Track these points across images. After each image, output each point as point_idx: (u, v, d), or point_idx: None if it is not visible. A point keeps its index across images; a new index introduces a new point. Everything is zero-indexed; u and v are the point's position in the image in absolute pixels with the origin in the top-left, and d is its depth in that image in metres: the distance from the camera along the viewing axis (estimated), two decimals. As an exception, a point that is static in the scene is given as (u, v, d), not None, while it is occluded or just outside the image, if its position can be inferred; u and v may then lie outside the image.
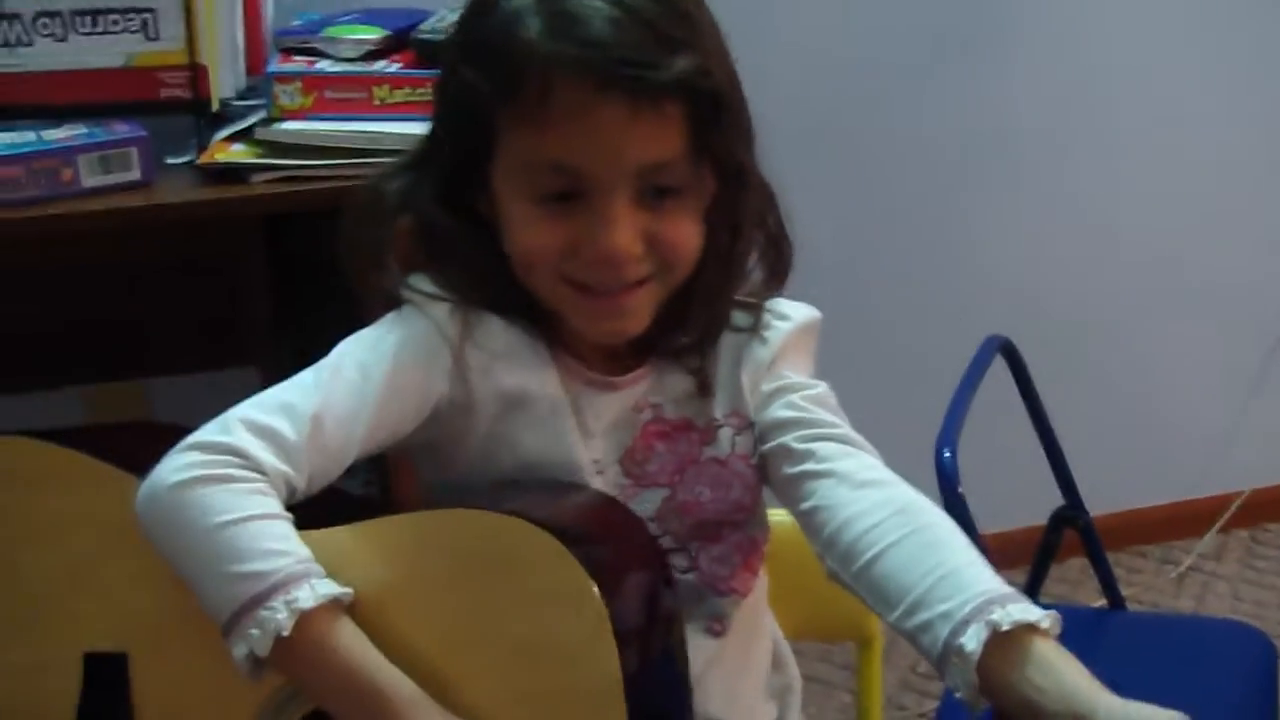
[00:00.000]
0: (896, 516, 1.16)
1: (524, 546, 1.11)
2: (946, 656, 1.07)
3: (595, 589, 1.09)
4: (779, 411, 1.27)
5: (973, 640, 1.05)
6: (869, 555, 1.15)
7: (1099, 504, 3.00)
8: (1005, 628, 1.05)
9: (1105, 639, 2.16)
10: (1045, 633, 1.06)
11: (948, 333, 2.21)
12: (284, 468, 1.15)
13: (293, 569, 1.11)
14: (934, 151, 2.78)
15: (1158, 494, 3.17)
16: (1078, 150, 2.88)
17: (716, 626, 1.27)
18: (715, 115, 1.16)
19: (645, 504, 1.25)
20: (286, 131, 1.82)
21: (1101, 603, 2.27)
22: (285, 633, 1.09)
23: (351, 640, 1.11)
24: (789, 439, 1.25)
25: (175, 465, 1.14)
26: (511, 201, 1.17)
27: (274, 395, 1.18)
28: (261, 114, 1.86)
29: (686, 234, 1.19)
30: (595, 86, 1.11)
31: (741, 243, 1.25)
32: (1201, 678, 2.02)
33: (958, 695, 1.07)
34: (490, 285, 1.22)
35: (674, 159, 1.15)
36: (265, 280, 1.97)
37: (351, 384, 1.18)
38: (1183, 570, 3.09)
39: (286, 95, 1.85)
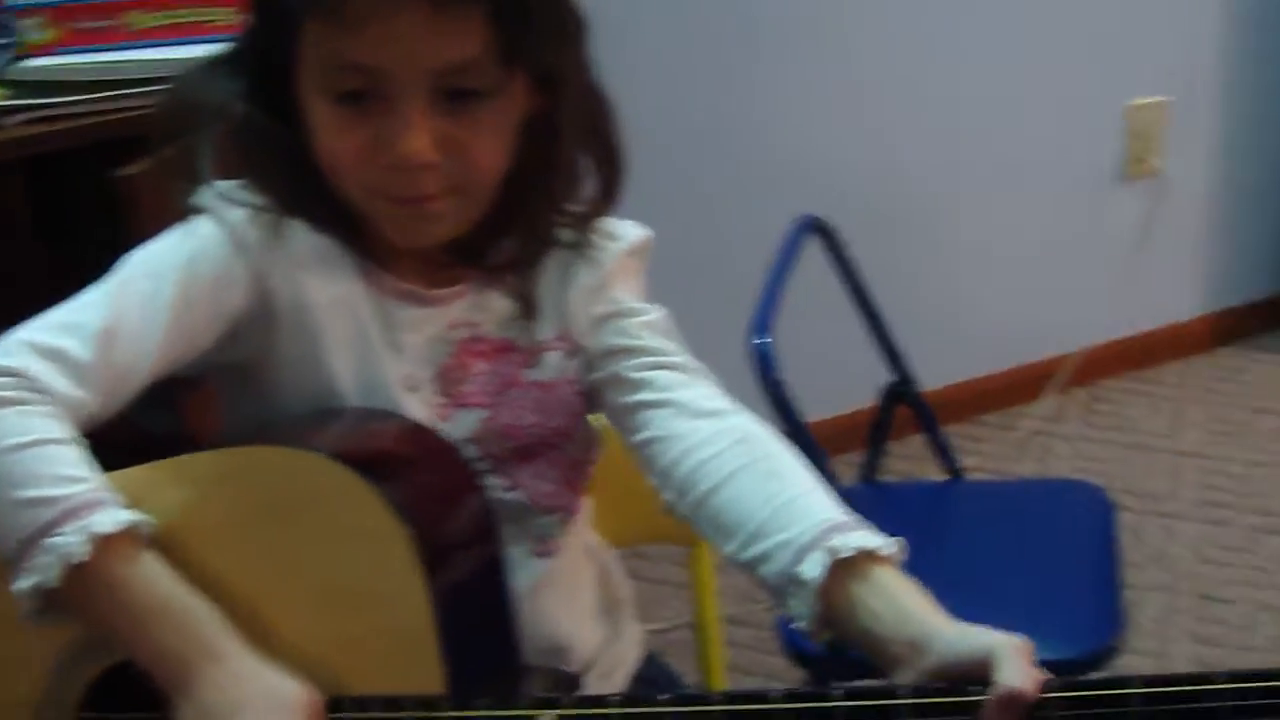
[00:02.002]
0: (735, 446, 1.13)
1: (327, 486, 1.05)
2: (786, 586, 1.05)
3: (401, 527, 1.04)
4: (612, 338, 1.21)
5: (813, 568, 1.03)
6: (706, 486, 1.12)
7: (936, 378, 3.02)
8: (845, 555, 1.03)
9: (947, 510, 2.15)
10: (886, 560, 1.05)
11: (761, 217, 2.15)
12: (75, 391, 1.06)
13: (88, 495, 1.02)
14: (723, 25, 2.69)
15: (994, 362, 3.17)
16: (880, 20, 2.81)
17: (543, 548, 1.22)
18: (523, 16, 1.09)
19: (462, 425, 1.18)
20: (36, 69, 1.72)
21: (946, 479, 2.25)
22: (79, 560, 1.00)
23: (154, 570, 1.03)
24: (623, 367, 1.20)
25: None
26: (314, 103, 1.11)
27: (58, 314, 1.09)
28: (8, 53, 1.75)
29: (488, 142, 1.13)
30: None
31: (563, 154, 1.18)
32: (1043, 538, 2.03)
33: (797, 626, 1.05)
34: (304, 190, 1.15)
35: (475, 60, 1.09)
36: (30, 226, 1.86)
37: (142, 295, 1.10)
38: (1023, 435, 3.10)
39: (32, 30, 1.74)
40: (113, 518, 1.01)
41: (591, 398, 1.23)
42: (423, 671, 1.05)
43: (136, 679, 1.06)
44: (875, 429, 2.19)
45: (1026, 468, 3.00)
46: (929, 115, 2.88)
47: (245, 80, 1.16)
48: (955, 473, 2.21)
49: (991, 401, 3.16)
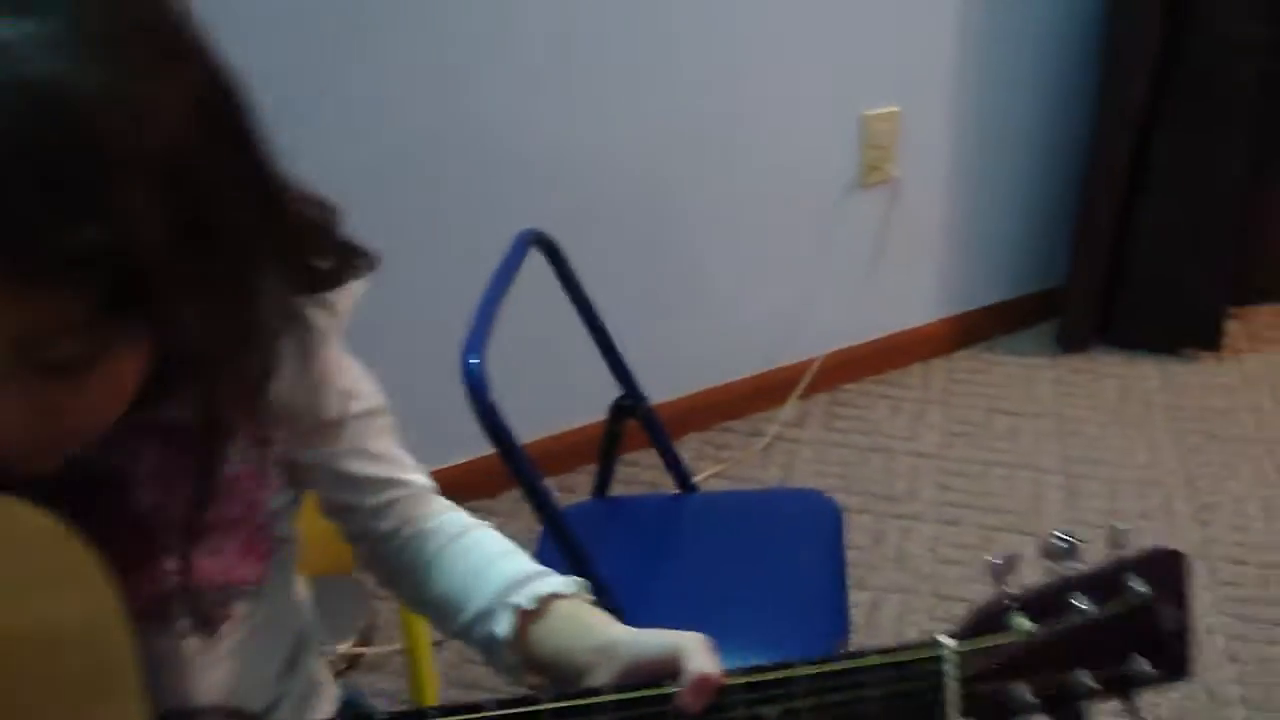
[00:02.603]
0: (429, 536, 1.22)
1: (12, 521, 0.96)
2: (488, 648, 1.15)
3: (99, 562, 0.97)
4: (323, 447, 1.16)
5: (502, 626, 1.13)
6: (411, 580, 1.22)
7: (679, 385, 3.04)
8: (527, 606, 1.13)
9: (679, 523, 2.15)
10: (570, 597, 1.14)
11: (485, 233, 2.12)
12: None
13: None
14: (440, 20, 2.59)
15: (738, 369, 3.19)
16: (616, 21, 2.74)
17: (211, 625, 1.11)
18: (142, 291, 0.84)
19: (132, 503, 1.04)
20: None
21: (702, 475, 2.25)
22: None
23: None
24: (332, 483, 1.20)
25: None
26: None
27: None
28: None
29: (101, 399, 0.90)
30: None
31: (215, 467, 1.03)
32: (774, 547, 2.04)
33: (508, 680, 1.15)
34: None
35: (72, 331, 0.84)
36: None
37: None
38: (768, 441, 3.13)
39: None
40: None
41: (292, 474, 1.15)
42: (120, 709, 0.99)
43: None
44: (604, 445, 2.18)
45: (771, 474, 3.02)
46: (665, 120, 2.86)
47: None
48: (688, 485, 2.21)
49: (736, 408, 3.19)
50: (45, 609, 0.98)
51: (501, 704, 1.01)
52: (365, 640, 2.56)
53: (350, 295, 1.10)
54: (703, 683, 1.00)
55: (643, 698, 1.02)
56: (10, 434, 0.87)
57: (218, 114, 0.90)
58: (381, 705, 1.32)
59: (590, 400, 2.29)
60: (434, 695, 1.61)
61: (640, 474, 2.84)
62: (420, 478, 1.24)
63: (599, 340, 2.08)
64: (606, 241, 2.79)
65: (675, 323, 3.01)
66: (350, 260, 1.06)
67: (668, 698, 1.01)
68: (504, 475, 1.72)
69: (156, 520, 1.07)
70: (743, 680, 1.02)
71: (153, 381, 0.93)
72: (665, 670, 1.02)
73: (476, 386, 1.65)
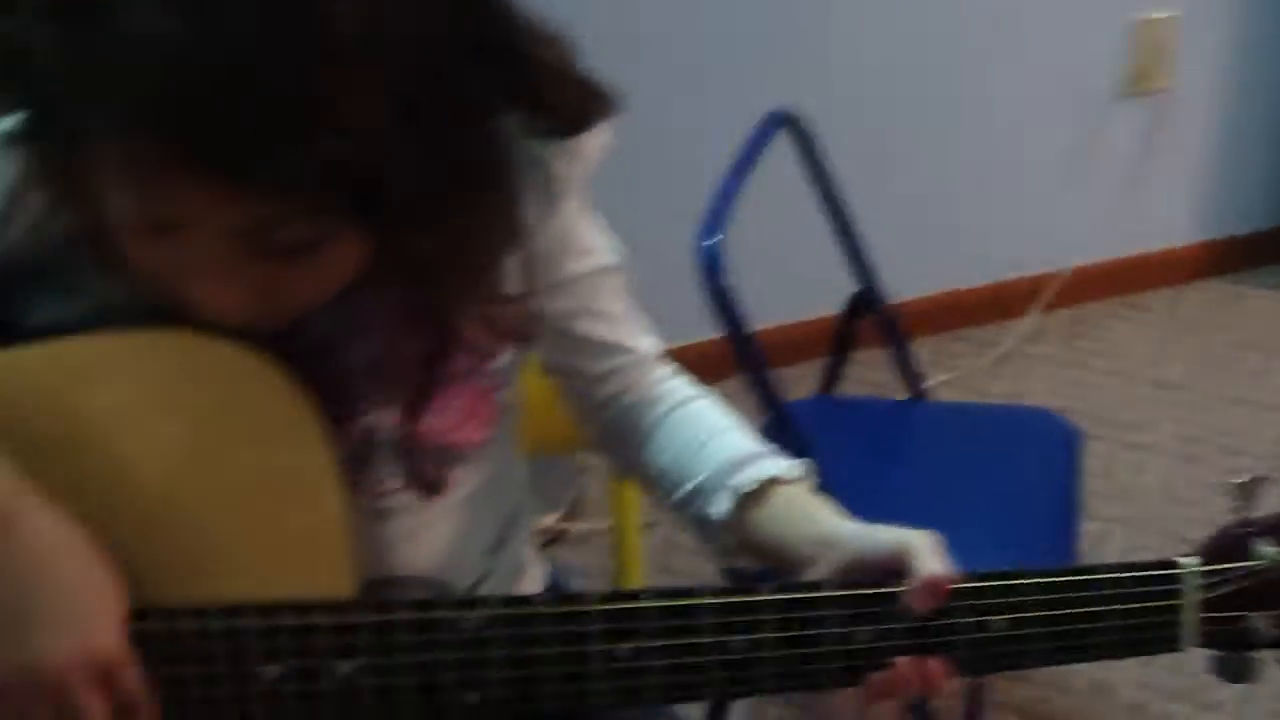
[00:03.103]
0: (653, 404, 1.15)
1: (236, 373, 0.93)
2: (703, 527, 1.10)
3: (318, 423, 0.94)
4: (557, 303, 1.09)
5: (720, 508, 1.08)
6: (632, 446, 1.15)
7: (916, 286, 2.92)
8: (748, 488, 1.07)
9: (906, 431, 2.06)
10: (792, 481, 1.08)
11: (728, 110, 2.03)
12: None
13: None
14: None
15: (979, 275, 3.06)
16: None
17: (432, 486, 1.06)
18: (377, 207, 0.84)
19: (355, 356, 1.01)
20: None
21: (930, 383, 2.15)
22: None
23: None
24: (560, 338, 1.12)
25: None
26: (104, 197, 0.86)
27: None
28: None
29: (316, 283, 0.90)
30: (167, 149, 0.79)
31: (444, 332, 0.99)
32: (1004, 466, 1.94)
33: (721, 561, 1.11)
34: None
35: (298, 222, 0.84)
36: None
37: None
38: (1002, 353, 3.00)
39: None
40: None
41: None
42: (333, 580, 0.95)
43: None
44: (837, 341, 2.09)
45: (1001, 388, 2.90)
46: (922, 12, 2.75)
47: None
48: (918, 392, 2.10)
49: (972, 316, 3.06)
50: (264, 460, 0.95)
51: (718, 592, 0.96)
52: (572, 515, 2.52)
53: (594, 142, 1.03)
54: (932, 585, 0.96)
55: (867, 595, 0.97)
56: (233, 308, 0.88)
57: None
58: (584, 586, 1.27)
59: (822, 293, 2.20)
60: (638, 577, 1.55)
61: (866, 373, 2.74)
62: (648, 343, 1.16)
63: (841, 231, 1.98)
64: (854, 131, 2.66)
65: (918, 221, 2.89)
66: (591, 103, 0.97)
67: (893, 597, 0.96)
68: (727, 362, 1.65)
69: (380, 374, 1.02)
70: (973, 585, 0.97)
71: (379, 256, 0.90)
72: (891, 569, 0.98)
73: (712, 269, 1.57)
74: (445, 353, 0.99)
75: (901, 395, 2.13)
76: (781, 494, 1.07)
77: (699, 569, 2.42)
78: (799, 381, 2.65)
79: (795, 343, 2.71)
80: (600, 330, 1.12)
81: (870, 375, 2.76)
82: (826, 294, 2.14)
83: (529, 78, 0.91)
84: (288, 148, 0.79)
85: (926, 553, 0.97)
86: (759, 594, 0.95)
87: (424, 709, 0.94)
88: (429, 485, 1.04)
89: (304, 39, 0.78)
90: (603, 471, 2.63)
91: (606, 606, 0.93)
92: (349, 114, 0.80)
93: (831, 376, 2.12)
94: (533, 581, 1.21)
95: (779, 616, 0.95)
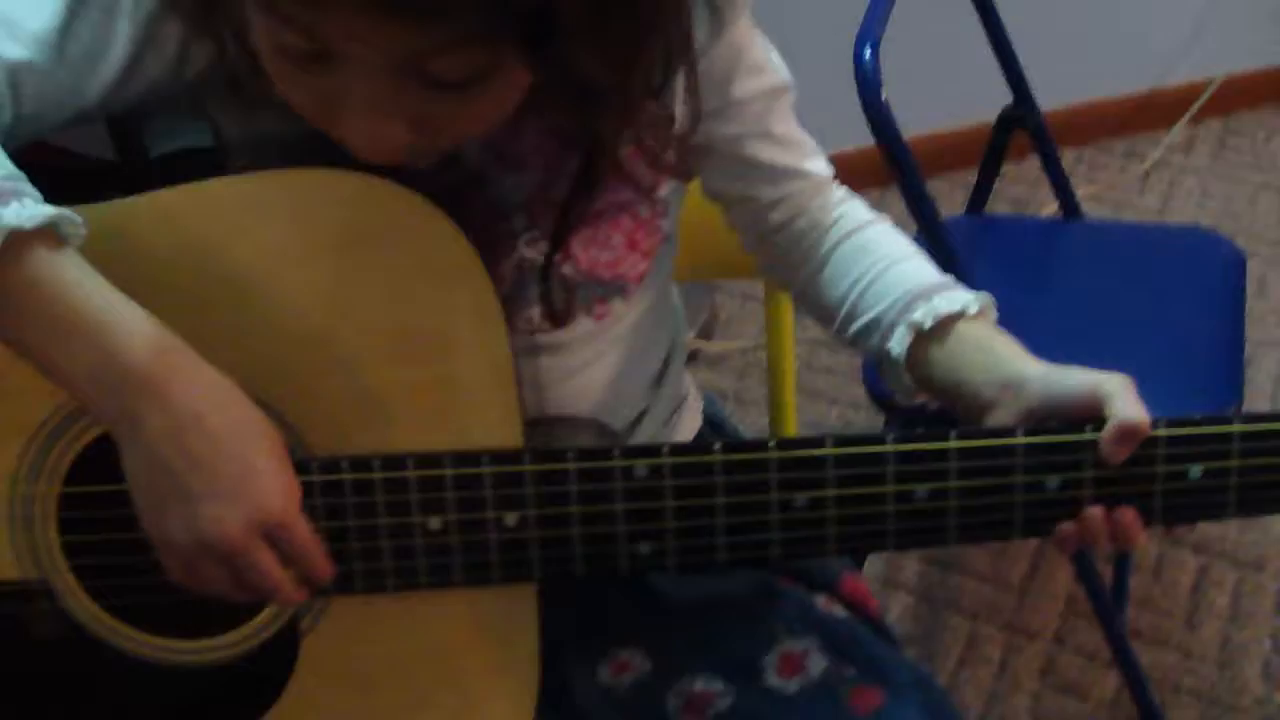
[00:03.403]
0: (828, 230, 1.09)
1: (405, 218, 0.89)
2: (881, 361, 1.05)
3: (485, 272, 0.90)
4: (724, 128, 1.02)
5: (898, 344, 1.02)
6: (804, 273, 1.10)
7: (1059, 95, 2.79)
8: (929, 325, 1.01)
9: (1059, 251, 1.97)
10: (975, 317, 1.02)
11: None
12: None
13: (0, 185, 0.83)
14: None
15: (1124, 83, 2.92)
16: None
17: (596, 312, 1.04)
18: (547, 34, 0.78)
19: (511, 191, 0.98)
20: None
21: (1056, 206, 2.06)
22: None
23: (81, 274, 0.84)
24: (728, 162, 1.05)
25: None
26: (255, 24, 0.82)
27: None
28: None
29: (477, 118, 0.85)
30: None
31: (601, 162, 0.93)
32: (1164, 290, 1.85)
33: (897, 399, 1.06)
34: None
35: (465, 53, 0.79)
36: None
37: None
38: (1149, 165, 2.87)
39: None
40: (31, 212, 0.82)
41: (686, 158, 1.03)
42: (501, 425, 0.91)
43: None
44: (988, 155, 1.99)
45: (1148, 201, 2.78)
46: None
47: None
48: (1072, 211, 2.01)
49: (1118, 126, 2.93)
50: (428, 303, 0.90)
51: (901, 440, 0.90)
52: (705, 334, 2.48)
53: None
54: (1129, 430, 0.90)
55: (1061, 443, 0.91)
56: (389, 144, 0.83)
57: None
58: (730, 410, 1.22)
59: (971, 102, 2.10)
60: (792, 401, 1.49)
61: (1008, 188, 2.65)
62: (820, 165, 1.09)
63: (995, 41, 1.87)
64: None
65: (1059, 26, 2.74)
66: None
67: (1088, 445, 0.91)
68: (878, 170, 1.58)
69: (536, 207, 0.97)
70: (1172, 432, 0.91)
71: (542, 83, 0.83)
72: (1082, 414, 0.92)
73: (869, 81, 1.48)
74: (601, 180, 0.93)
75: (1047, 209, 2.04)
76: (964, 332, 1.01)
77: (839, 389, 2.38)
78: (942, 195, 2.57)
79: (942, 151, 2.62)
80: (772, 153, 1.05)
81: (1007, 190, 2.68)
82: (976, 102, 2.04)
83: None
84: None
85: (1122, 396, 0.91)
86: (944, 441, 0.90)
87: (593, 560, 0.90)
88: (557, 315, 0.99)
89: None
90: (735, 291, 2.59)
91: (784, 454, 0.88)
92: None
93: (980, 194, 2.03)
94: (692, 411, 1.17)
95: (965, 464, 0.90)
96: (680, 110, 0.94)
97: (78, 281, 0.83)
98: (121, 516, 0.88)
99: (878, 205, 1.12)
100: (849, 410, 2.35)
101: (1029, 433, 0.91)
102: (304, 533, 0.86)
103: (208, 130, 0.98)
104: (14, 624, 0.94)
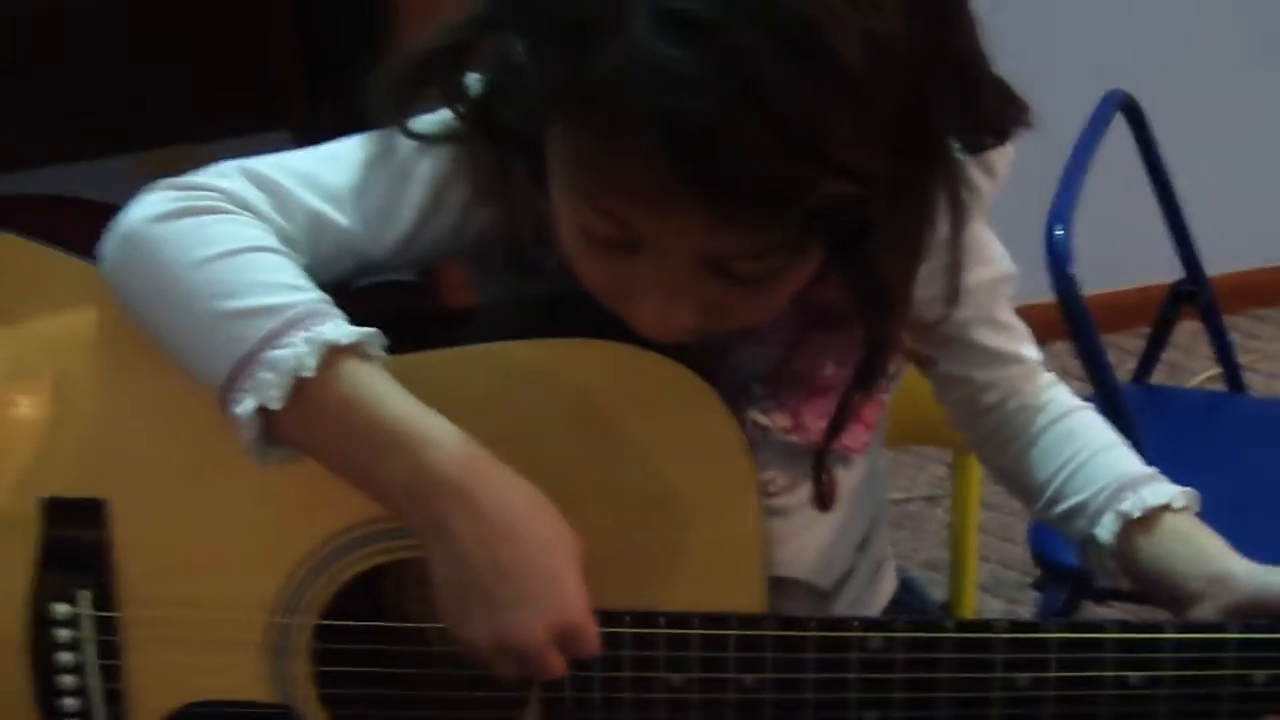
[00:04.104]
0: (1037, 412, 1.14)
1: (667, 387, 0.95)
2: (1086, 546, 1.09)
3: (742, 439, 0.96)
4: (954, 315, 1.06)
5: (1105, 531, 1.06)
6: (1012, 451, 1.14)
7: (1216, 263, 2.82)
8: (1137, 515, 1.05)
9: (1225, 425, 2.00)
10: (1181, 511, 1.06)
11: (1062, 88, 1.98)
12: (284, 224, 0.94)
13: (314, 304, 0.89)
14: None
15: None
16: None
17: (827, 496, 1.08)
18: (854, 238, 0.85)
19: (749, 360, 1.04)
20: None
21: (1212, 372, 2.08)
22: (308, 373, 0.86)
23: (392, 386, 0.89)
24: (959, 365, 1.12)
25: (150, 201, 0.93)
26: (560, 205, 0.89)
27: (294, 157, 0.98)
28: None
29: (767, 305, 0.92)
30: (678, 180, 0.79)
31: (882, 357, 0.98)
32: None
33: (1099, 579, 1.10)
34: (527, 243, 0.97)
35: (760, 251, 0.85)
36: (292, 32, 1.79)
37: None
38: (1305, 336, 2.89)
39: None
40: (345, 329, 0.89)
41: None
42: (745, 592, 0.97)
43: (382, 587, 1.00)
44: (1157, 326, 2.04)
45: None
46: None
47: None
48: (1238, 384, 2.04)
49: (1273, 294, 2.94)
50: (696, 474, 0.96)
51: (1121, 627, 0.95)
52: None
53: (1007, 156, 1.02)
54: None
55: (1272, 640, 0.94)
56: (677, 328, 0.89)
57: None
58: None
59: (1143, 265, 2.14)
60: (973, 569, 1.54)
61: (1168, 354, 2.67)
62: (1033, 350, 1.15)
63: (1169, 214, 1.93)
64: (1185, 108, 2.59)
65: (1218, 193, 2.78)
66: (1013, 112, 0.94)
67: None
68: (1053, 327, 1.63)
69: (774, 376, 1.04)
70: None
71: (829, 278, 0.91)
72: None
73: (1059, 259, 1.54)
74: (881, 373, 0.99)
75: (1201, 375, 2.06)
76: (1171, 524, 1.05)
77: (1010, 554, 2.41)
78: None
79: (1103, 313, 2.65)
80: (995, 339, 1.11)
81: (1167, 354, 2.69)
82: (1142, 266, 2.09)
83: (979, 93, 0.89)
84: (799, 187, 0.79)
85: None
86: (1163, 631, 0.95)
87: (822, 723, 0.96)
88: (825, 503, 1.05)
89: (819, 72, 0.77)
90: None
91: (1011, 635, 0.93)
92: (861, 152, 0.79)
93: (1147, 363, 2.07)
94: (890, 579, 1.22)
95: (1179, 655, 0.94)
96: (921, 293, 0.98)
97: (390, 394, 0.89)
98: (369, 651, 0.95)
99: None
100: (999, 568, 2.37)
101: (1242, 628, 0.95)
102: (594, 640, 0.90)
103: (408, 269, 1.06)
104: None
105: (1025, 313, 1.23)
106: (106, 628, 0.98)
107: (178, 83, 1.95)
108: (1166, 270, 2.03)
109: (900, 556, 2.35)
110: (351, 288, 1.03)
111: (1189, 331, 2.58)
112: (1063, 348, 1.71)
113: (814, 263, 0.88)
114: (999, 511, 2.36)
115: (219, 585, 0.98)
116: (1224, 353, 2.02)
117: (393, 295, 1.09)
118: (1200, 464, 1.86)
